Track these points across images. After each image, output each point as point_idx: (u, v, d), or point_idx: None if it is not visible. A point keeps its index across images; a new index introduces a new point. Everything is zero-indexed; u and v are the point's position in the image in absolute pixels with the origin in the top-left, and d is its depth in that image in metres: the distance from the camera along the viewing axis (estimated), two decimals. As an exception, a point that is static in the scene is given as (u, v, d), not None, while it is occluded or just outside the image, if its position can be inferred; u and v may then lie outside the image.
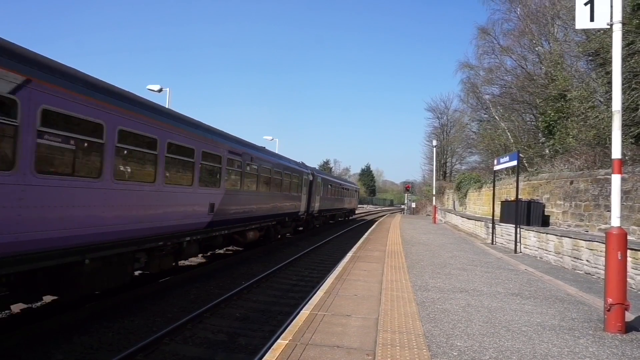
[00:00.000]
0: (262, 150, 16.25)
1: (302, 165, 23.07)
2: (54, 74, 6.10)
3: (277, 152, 25.25)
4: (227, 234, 12.86)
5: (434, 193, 38.70)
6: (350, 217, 43.11)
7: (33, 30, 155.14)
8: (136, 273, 9.32)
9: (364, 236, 18.52)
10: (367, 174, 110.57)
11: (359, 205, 56.56)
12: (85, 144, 6.83)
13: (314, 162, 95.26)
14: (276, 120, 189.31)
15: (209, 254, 14.17)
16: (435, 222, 31.87)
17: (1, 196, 5.26)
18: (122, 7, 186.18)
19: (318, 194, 24.94)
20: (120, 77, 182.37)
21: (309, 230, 24.95)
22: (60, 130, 6.22)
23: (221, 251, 14.91)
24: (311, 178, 23.23)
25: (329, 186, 29.00)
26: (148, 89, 24.03)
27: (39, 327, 6.47)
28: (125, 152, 7.70)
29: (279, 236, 19.34)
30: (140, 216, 8.08)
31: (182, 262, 11.72)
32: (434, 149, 40.03)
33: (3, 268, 5.34)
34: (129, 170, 7.96)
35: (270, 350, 4.73)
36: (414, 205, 58.83)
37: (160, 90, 24.26)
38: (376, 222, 30.67)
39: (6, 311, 6.98)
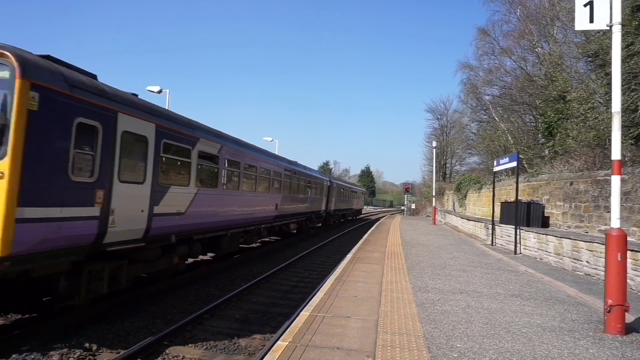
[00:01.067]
0: (300, 165, 21.88)
1: (323, 173, 30.93)
2: (228, 141, 12.04)
3: (277, 153, 27.08)
4: (280, 225, 18.32)
5: (433, 194, 38.68)
6: (358, 217, 47.07)
7: (34, 31, 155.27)
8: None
9: (364, 237, 18.52)
10: (366, 175, 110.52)
11: (360, 207, 57.38)
12: (235, 173, 12.60)
13: (313, 163, 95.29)
14: (276, 121, 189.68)
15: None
16: (435, 224, 31.88)
17: (214, 200, 10.85)
18: (122, 8, 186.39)
19: (333, 197, 30.34)
20: (120, 78, 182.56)
21: (326, 225, 30.43)
22: (229, 167, 12.09)
23: (267, 239, 18.95)
24: (329, 184, 28.74)
25: (342, 190, 34.64)
26: (148, 90, 24.10)
27: (37, 328, 6.46)
28: (244, 175, 13.16)
29: (306, 230, 24.20)
30: (248, 211, 13.59)
31: (187, 262, 12.85)
32: (434, 150, 40.03)
33: (225, 231, 11.76)
34: (244, 184, 13.22)
35: (270, 351, 4.73)
36: (413, 206, 58.82)
37: (160, 92, 24.32)
38: (376, 224, 30.65)
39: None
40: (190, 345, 6.47)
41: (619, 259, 5.60)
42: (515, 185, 15.32)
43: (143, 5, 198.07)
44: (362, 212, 55.55)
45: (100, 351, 6.05)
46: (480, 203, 28.03)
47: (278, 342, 4.96)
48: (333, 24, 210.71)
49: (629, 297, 6.01)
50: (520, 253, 14.76)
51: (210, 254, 13.01)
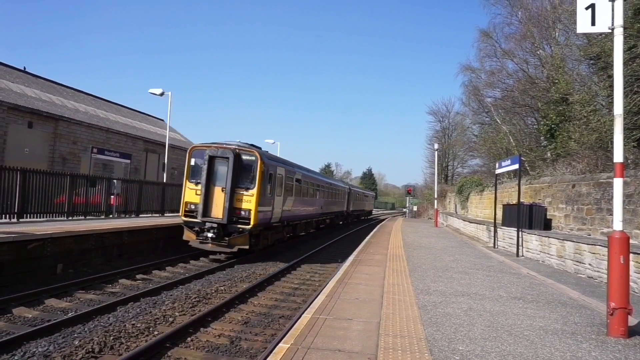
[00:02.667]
0: (331, 178, 33.13)
1: (344, 182, 42.86)
2: (303, 170, 20.83)
3: (278, 154, 28.33)
4: (321, 220, 26.94)
5: (435, 196, 38.64)
6: (368, 217, 55.01)
7: (34, 32, 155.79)
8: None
9: (366, 239, 18.51)
10: (368, 177, 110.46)
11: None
12: (304, 187, 20.29)
13: (315, 165, 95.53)
14: (277, 123, 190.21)
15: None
16: (437, 226, 31.82)
17: (298, 203, 19.18)
18: (121, 9, 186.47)
19: (351, 201, 38.50)
20: (120, 80, 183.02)
21: (346, 223, 38.87)
22: (304, 185, 20.08)
23: (313, 230, 26.38)
24: (348, 191, 37.04)
25: (357, 195, 43.68)
26: (150, 93, 24.31)
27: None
28: (308, 188, 21.27)
29: (333, 225, 33.28)
30: (309, 210, 21.51)
31: (189, 265, 13.93)
32: (436, 152, 40.02)
33: (300, 221, 20.61)
34: (308, 194, 21.02)
35: (271, 353, 4.73)
36: (415, 208, 58.79)
37: (162, 94, 24.52)
38: (378, 226, 30.63)
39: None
40: (192, 347, 6.48)
41: (622, 262, 5.59)
42: (517, 187, 15.30)
43: (142, 7, 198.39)
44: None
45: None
46: (482, 205, 27.98)
47: (280, 344, 4.96)
48: (334, 26, 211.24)
49: (631, 299, 5.99)
50: (523, 256, 14.73)
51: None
